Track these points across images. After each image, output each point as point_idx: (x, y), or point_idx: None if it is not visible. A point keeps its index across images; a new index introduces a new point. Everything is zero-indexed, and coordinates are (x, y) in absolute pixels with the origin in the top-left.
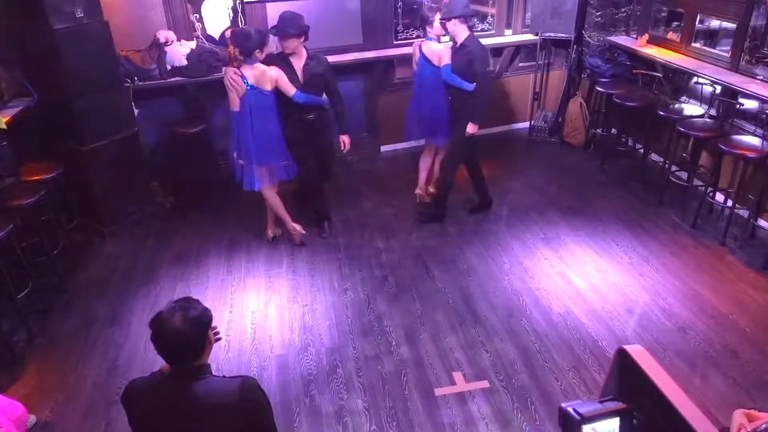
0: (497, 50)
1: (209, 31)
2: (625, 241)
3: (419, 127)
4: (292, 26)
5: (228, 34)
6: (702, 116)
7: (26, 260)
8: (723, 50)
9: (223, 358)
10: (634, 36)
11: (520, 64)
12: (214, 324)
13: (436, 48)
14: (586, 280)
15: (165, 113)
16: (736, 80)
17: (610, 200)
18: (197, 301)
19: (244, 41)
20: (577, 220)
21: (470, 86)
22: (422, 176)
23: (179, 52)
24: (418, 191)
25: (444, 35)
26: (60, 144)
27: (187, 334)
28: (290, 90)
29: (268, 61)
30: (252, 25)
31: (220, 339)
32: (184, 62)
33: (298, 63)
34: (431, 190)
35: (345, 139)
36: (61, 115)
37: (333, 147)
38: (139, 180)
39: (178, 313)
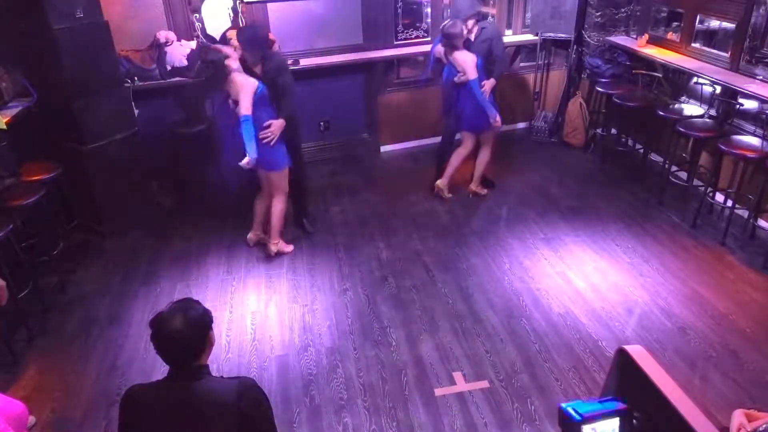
0: None
1: (209, 31)
2: (625, 241)
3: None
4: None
5: (229, 34)
6: (702, 116)
7: (26, 260)
8: (722, 50)
9: (223, 359)
10: (634, 36)
11: (521, 64)
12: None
13: (461, 56)
14: (586, 281)
15: (165, 113)
16: (735, 80)
17: (610, 200)
18: (197, 302)
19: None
20: (577, 220)
21: (493, 112)
22: (450, 170)
23: (179, 52)
24: (439, 183)
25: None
26: (60, 144)
27: (187, 336)
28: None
29: None
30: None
31: None
32: (184, 62)
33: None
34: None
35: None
36: (61, 115)
37: None
38: (139, 180)
39: (179, 315)
